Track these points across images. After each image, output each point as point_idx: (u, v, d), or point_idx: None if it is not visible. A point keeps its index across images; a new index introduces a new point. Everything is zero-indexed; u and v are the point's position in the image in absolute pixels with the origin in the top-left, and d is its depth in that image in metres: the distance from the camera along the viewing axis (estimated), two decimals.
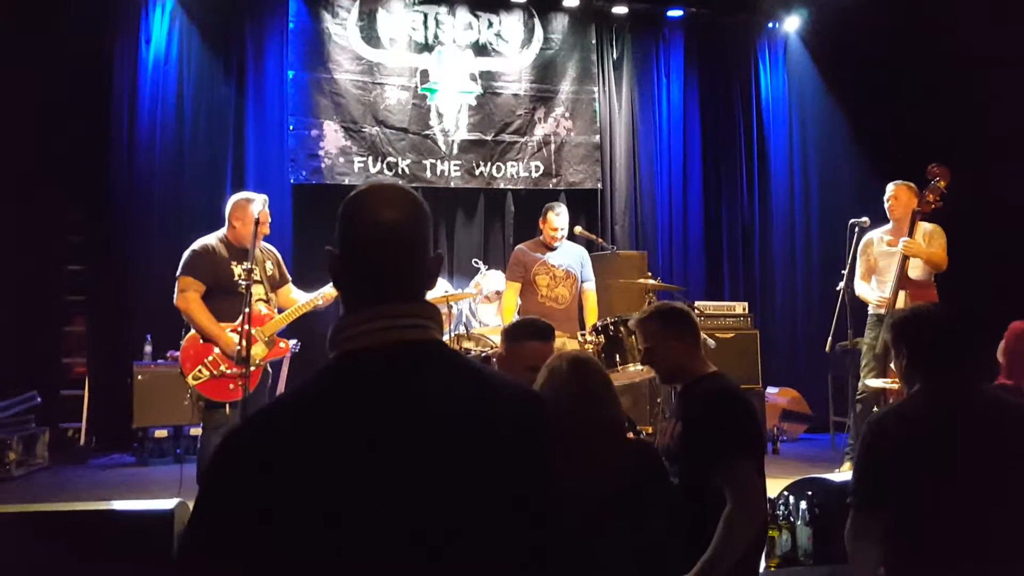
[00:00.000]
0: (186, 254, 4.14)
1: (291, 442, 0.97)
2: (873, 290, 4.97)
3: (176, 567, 1.08)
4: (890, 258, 4.88)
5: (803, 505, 3.28)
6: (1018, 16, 5.84)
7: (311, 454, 0.96)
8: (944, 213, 4.71)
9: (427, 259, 1.15)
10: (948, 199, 4.63)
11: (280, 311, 4.27)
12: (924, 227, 4.76)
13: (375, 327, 1.07)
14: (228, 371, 3.94)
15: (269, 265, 4.29)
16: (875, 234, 5.04)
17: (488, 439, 1.04)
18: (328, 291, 4.14)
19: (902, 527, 1.99)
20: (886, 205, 4.98)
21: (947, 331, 2.15)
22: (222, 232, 4.21)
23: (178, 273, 4.10)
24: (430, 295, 1.20)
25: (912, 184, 4.92)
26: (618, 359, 4.68)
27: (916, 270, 4.71)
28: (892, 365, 4.36)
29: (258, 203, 4.07)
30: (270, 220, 4.22)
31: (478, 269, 6.57)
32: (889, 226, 5.00)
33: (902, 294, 4.52)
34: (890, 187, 4.99)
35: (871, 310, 4.95)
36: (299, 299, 4.30)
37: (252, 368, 3.82)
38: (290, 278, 4.51)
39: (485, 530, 1.00)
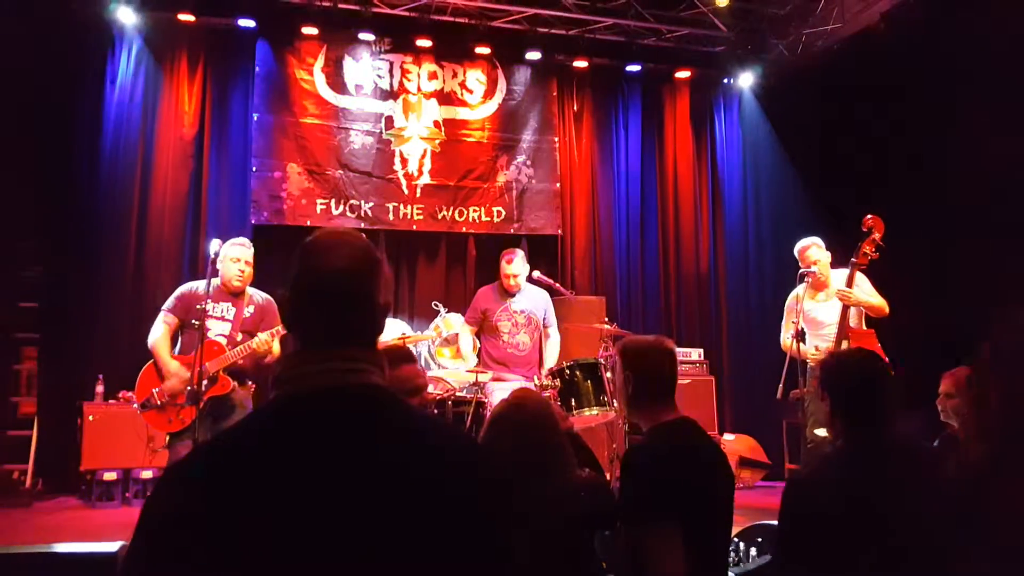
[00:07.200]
0: None
1: (221, 482, 0.99)
2: (808, 343, 5.00)
3: None
4: (822, 311, 4.96)
5: (753, 552, 3.33)
6: (948, 67, 6.12)
7: (240, 494, 0.98)
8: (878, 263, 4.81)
9: (374, 307, 1.18)
10: (885, 249, 4.73)
11: None
12: (845, 276, 4.80)
13: (313, 370, 1.10)
14: (165, 403, 4.08)
15: (251, 309, 4.31)
16: (799, 290, 5.06)
17: (419, 482, 1.05)
18: (259, 340, 4.13)
19: None
20: (816, 268, 4.95)
21: (867, 381, 2.05)
22: None
23: None
24: (385, 336, 1.24)
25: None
26: (573, 403, 4.73)
27: (852, 319, 4.80)
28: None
29: (212, 246, 4.26)
30: (231, 263, 4.26)
31: (438, 312, 6.61)
32: (810, 280, 5.00)
33: (844, 344, 4.62)
34: (814, 252, 4.99)
35: (810, 361, 4.96)
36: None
37: (187, 404, 3.95)
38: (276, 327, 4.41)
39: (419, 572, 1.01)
